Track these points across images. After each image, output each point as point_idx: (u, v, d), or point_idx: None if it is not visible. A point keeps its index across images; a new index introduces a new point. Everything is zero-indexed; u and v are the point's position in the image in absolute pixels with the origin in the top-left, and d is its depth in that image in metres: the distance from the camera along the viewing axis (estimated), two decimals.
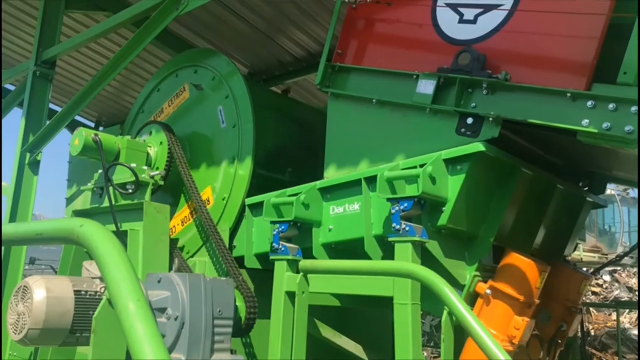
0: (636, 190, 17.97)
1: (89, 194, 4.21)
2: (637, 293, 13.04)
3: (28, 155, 5.44)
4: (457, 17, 3.27)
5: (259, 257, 3.85)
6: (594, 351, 9.41)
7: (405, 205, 2.96)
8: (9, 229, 1.47)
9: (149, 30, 4.45)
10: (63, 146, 5.75)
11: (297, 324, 3.31)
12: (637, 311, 9.43)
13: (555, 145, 3.61)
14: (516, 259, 3.14)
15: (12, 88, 6.92)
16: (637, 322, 10.86)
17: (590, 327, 11.06)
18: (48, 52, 5.56)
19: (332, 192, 3.51)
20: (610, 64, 2.71)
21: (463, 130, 3.06)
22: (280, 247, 3.44)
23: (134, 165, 3.91)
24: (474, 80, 3.01)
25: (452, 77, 3.07)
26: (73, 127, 5.83)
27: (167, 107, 4.70)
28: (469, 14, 3.23)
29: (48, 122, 5.45)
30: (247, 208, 3.95)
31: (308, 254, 3.49)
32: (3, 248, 4.91)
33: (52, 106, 6.42)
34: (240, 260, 3.86)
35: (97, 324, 1.43)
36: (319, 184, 3.54)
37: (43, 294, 2.56)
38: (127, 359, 1.21)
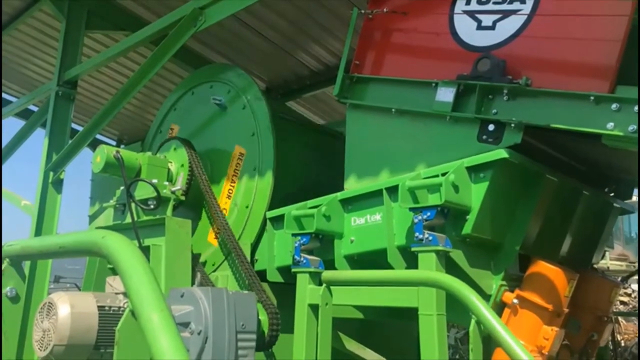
0: None
1: (111, 210, 4.24)
2: None
3: (51, 174, 5.52)
4: (475, 24, 3.24)
5: (280, 270, 3.83)
6: None
7: (428, 214, 2.92)
8: (33, 242, 1.48)
9: (167, 48, 4.50)
10: (85, 165, 5.83)
11: (321, 336, 3.27)
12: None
13: (578, 151, 3.54)
14: (543, 267, 3.08)
15: (35, 109, 7.05)
16: None
17: (620, 338, 10.80)
18: (69, 72, 5.66)
19: (353, 203, 3.49)
20: (634, 65, 2.66)
21: (484, 137, 3.02)
22: (302, 259, 3.42)
23: (155, 180, 3.94)
24: (494, 86, 2.97)
25: (472, 83, 3.03)
26: (95, 145, 5.90)
27: None
28: (487, 20, 3.20)
29: (70, 141, 5.53)
30: (267, 221, 3.94)
31: (330, 266, 3.46)
32: (29, 264, 4.97)
33: (73, 125, 6.52)
34: (262, 274, 3.85)
35: (120, 336, 1.42)
36: (339, 195, 3.51)
37: (67, 309, 2.57)
38: None
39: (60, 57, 5.73)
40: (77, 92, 5.97)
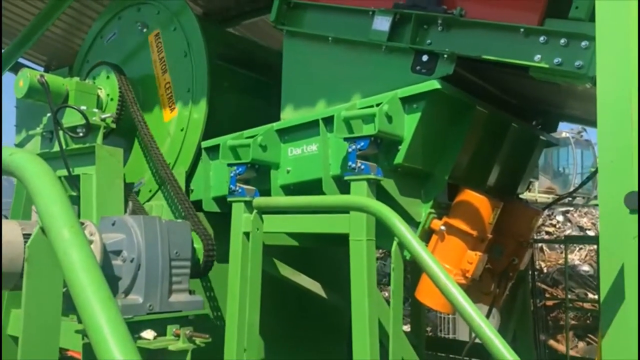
0: (589, 132, 18.56)
1: (39, 139, 4.07)
2: (587, 232, 13.61)
3: None
4: None
5: (217, 200, 3.83)
6: (545, 286, 9.83)
7: (362, 144, 2.97)
8: None
9: None
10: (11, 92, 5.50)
11: (251, 261, 3.34)
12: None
13: (509, 84, 3.63)
14: (470, 196, 3.21)
15: None
16: (585, 258, 11.38)
17: (543, 265, 11.53)
18: None
19: (290, 134, 3.48)
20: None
21: (418, 67, 3.04)
22: (238, 189, 3.43)
23: (83, 107, 3.78)
24: (429, 16, 2.97)
25: (408, 12, 3.02)
26: (19, 70, 5.57)
27: None
28: None
29: None
30: (203, 151, 3.89)
31: (266, 195, 3.48)
32: None
33: None
34: (198, 204, 3.83)
35: (30, 252, 1.39)
36: (275, 125, 3.50)
37: None
38: (64, 287, 1.19)
39: None
40: None
